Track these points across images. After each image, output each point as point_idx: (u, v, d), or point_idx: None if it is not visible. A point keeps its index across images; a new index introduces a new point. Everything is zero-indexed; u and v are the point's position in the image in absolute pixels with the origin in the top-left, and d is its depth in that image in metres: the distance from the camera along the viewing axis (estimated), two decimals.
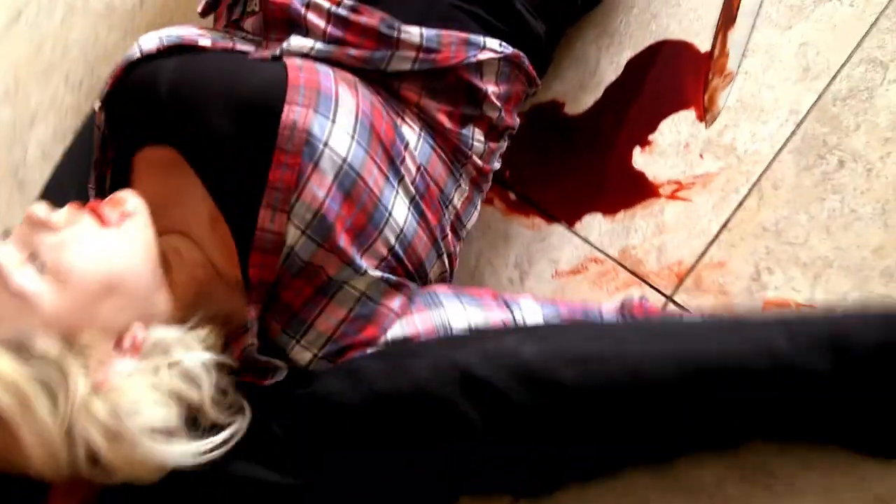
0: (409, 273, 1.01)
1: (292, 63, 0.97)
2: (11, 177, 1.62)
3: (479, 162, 1.09)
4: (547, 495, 0.93)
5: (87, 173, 1.12)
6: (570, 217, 1.20)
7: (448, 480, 0.94)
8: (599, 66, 1.25)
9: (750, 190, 1.12)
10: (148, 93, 0.99)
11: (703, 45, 1.21)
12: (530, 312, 1.01)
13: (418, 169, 1.03)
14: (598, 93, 1.24)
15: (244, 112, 0.93)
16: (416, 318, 0.99)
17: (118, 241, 0.90)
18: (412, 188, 1.01)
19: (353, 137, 0.94)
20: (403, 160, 1.00)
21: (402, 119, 1.04)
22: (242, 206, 0.93)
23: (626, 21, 1.25)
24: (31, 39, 1.70)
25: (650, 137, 1.19)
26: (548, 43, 1.16)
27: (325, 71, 0.97)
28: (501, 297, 1.04)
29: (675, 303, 1.07)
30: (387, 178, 0.98)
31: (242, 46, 1.04)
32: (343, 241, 0.94)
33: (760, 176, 1.12)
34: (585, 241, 1.18)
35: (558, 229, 1.20)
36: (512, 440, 0.86)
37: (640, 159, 1.19)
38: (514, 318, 1.00)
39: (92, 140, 1.09)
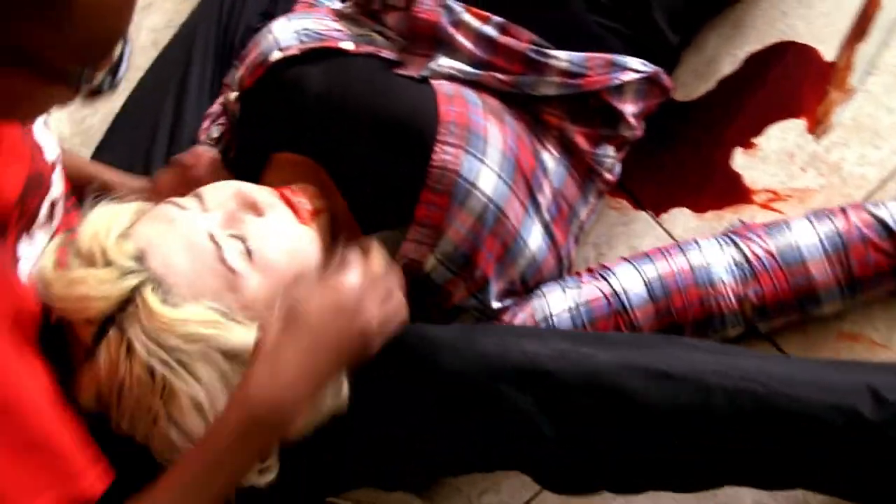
0: (529, 289, 1.04)
1: (442, 92, 0.98)
2: None
3: (608, 176, 1.10)
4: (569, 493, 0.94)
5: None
6: (657, 207, 1.18)
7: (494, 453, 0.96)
8: (717, 55, 1.22)
9: None
10: (292, 100, 1.00)
11: (829, 53, 1.17)
12: (628, 278, 1.02)
13: (553, 193, 1.05)
14: (710, 83, 1.21)
15: (394, 141, 0.95)
16: (520, 317, 1.02)
17: (310, 239, 0.92)
18: (546, 214, 1.04)
19: (499, 176, 0.96)
20: (541, 188, 1.03)
21: (543, 145, 1.06)
22: (389, 228, 0.97)
23: (753, 14, 1.21)
24: None
25: (755, 140, 1.16)
26: (678, 49, 1.16)
27: (473, 102, 0.99)
28: (595, 270, 1.06)
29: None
30: (526, 210, 1.01)
31: (386, 53, 1.04)
32: (478, 272, 0.98)
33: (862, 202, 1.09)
34: (668, 233, 1.16)
35: (643, 216, 1.19)
36: (566, 438, 0.86)
37: (741, 160, 1.16)
38: (612, 288, 1.02)
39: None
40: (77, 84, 0.68)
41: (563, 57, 1.03)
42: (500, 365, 0.86)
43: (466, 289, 0.99)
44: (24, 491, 0.75)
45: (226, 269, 0.85)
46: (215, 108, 1.18)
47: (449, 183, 0.93)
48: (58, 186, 0.97)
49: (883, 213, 0.98)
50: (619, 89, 1.06)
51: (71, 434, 0.79)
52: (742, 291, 0.99)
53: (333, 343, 0.82)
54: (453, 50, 1.04)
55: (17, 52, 0.62)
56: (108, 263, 0.82)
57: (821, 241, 0.99)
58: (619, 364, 0.84)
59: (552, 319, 1.01)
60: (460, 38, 1.04)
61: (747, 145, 1.17)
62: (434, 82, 1.00)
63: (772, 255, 1.00)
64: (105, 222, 0.85)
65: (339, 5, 1.15)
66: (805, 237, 1.00)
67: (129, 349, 0.81)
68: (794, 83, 1.17)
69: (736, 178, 1.16)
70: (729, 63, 1.21)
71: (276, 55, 1.01)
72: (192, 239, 0.85)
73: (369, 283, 0.84)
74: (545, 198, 1.03)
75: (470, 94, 1.00)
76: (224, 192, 0.91)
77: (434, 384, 0.86)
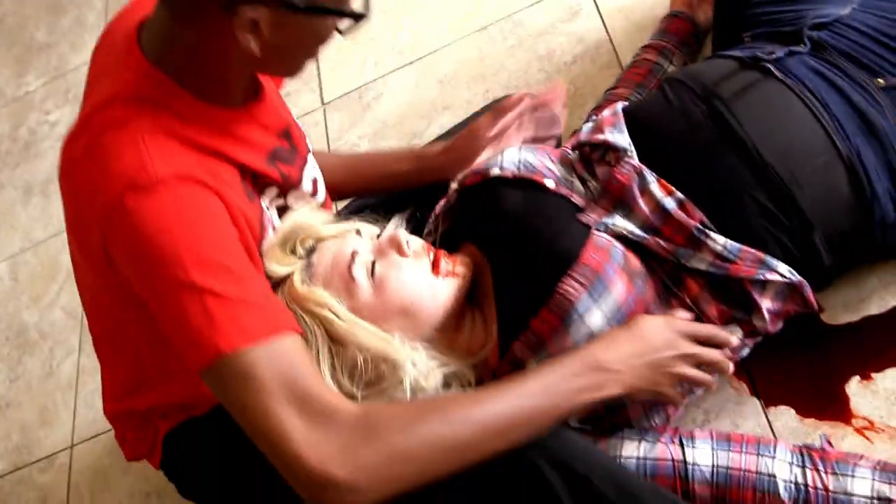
0: (614, 426, 1.25)
1: (593, 242, 1.22)
2: (408, 140, 2.03)
3: (729, 353, 1.26)
4: None
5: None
6: (769, 399, 1.35)
7: None
8: (870, 296, 1.38)
9: None
10: (492, 209, 1.31)
11: None
12: (702, 454, 1.21)
13: None
14: (855, 316, 1.37)
15: (543, 263, 1.22)
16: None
17: (432, 288, 1.23)
18: None
19: (607, 320, 1.19)
20: None
21: (666, 312, 1.25)
22: (511, 325, 1.22)
23: None
24: (480, 49, 2.10)
25: (873, 374, 1.31)
26: (831, 273, 1.32)
27: (615, 259, 1.21)
28: (680, 434, 1.24)
29: None
30: None
31: (576, 198, 1.31)
32: None
33: None
34: (769, 424, 1.33)
35: (754, 403, 1.36)
36: None
37: (854, 387, 1.31)
38: (684, 457, 1.20)
39: None
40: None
41: (720, 241, 1.23)
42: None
43: None
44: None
45: (349, 275, 1.18)
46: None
47: (563, 309, 1.18)
48: (316, 169, 1.37)
49: None
50: (762, 284, 1.23)
51: None
52: None
53: (652, 349, 1.17)
54: (630, 212, 1.28)
55: None
56: (290, 246, 1.22)
57: (871, 500, 1.13)
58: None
59: (619, 460, 1.20)
60: (641, 204, 1.27)
61: (866, 377, 1.31)
62: (595, 233, 1.24)
63: (827, 492, 1.15)
64: (312, 218, 1.26)
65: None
66: (861, 489, 1.14)
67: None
68: None
69: (845, 400, 1.31)
70: (877, 305, 1.36)
71: (495, 171, 1.33)
72: (342, 250, 1.21)
73: (697, 332, 1.21)
74: None
75: (616, 252, 1.22)
76: (396, 240, 1.23)
77: None
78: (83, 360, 2.02)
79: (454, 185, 1.39)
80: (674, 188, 1.27)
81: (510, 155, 1.36)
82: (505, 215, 1.29)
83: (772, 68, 1.32)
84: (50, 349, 2.09)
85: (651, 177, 1.28)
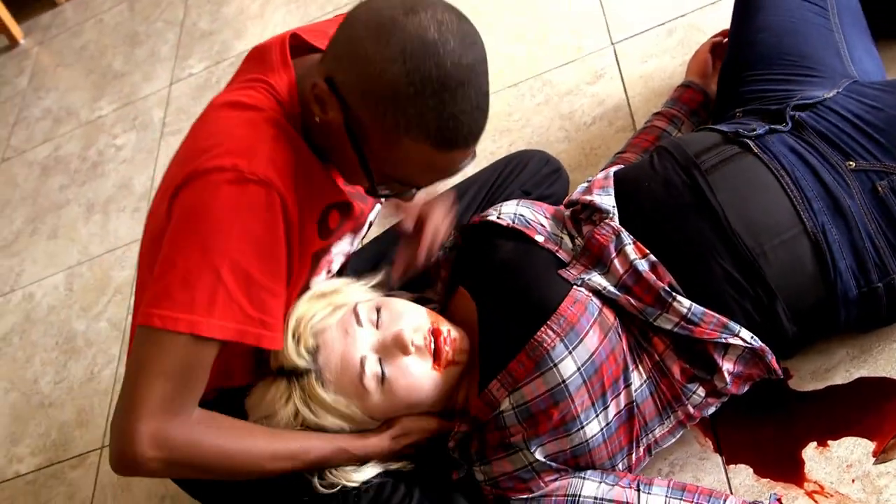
0: (578, 466, 1.34)
1: (572, 296, 1.32)
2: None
3: (692, 410, 1.36)
4: None
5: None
6: (731, 457, 1.43)
7: None
8: (836, 368, 1.44)
9: None
10: (485, 253, 1.45)
11: None
12: (656, 500, 1.29)
13: (629, 405, 1.33)
14: (820, 385, 1.44)
15: (525, 312, 1.33)
16: (554, 484, 1.34)
17: (435, 382, 1.35)
18: (613, 418, 1.33)
19: (579, 370, 1.28)
20: (617, 396, 1.32)
21: (637, 365, 1.35)
22: (492, 365, 1.33)
23: (883, 349, 1.43)
24: (509, 104, 2.22)
25: (829, 442, 1.38)
26: (796, 342, 1.39)
27: (591, 313, 1.31)
28: (639, 480, 1.33)
29: None
30: (593, 404, 1.31)
31: (562, 253, 1.41)
32: (537, 428, 1.30)
33: None
34: (727, 481, 1.40)
35: (717, 459, 1.43)
36: None
37: (810, 452, 1.38)
38: (638, 501, 1.29)
39: None
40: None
41: (685, 304, 1.31)
42: None
43: (523, 436, 1.31)
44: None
45: (362, 386, 1.31)
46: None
47: (538, 355, 1.28)
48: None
49: None
50: (724, 347, 1.32)
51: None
52: None
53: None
54: (607, 270, 1.37)
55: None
56: (297, 340, 1.31)
57: None
58: None
59: (578, 499, 1.30)
60: (616, 264, 1.36)
61: (822, 443, 1.38)
62: (575, 288, 1.34)
63: None
64: (312, 309, 1.34)
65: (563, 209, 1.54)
66: None
67: (288, 397, 1.31)
68: (883, 410, 1.37)
69: (800, 463, 1.38)
70: (842, 376, 1.43)
71: (492, 217, 1.46)
72: (349, 355, 1.31)
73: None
74: (617, 405, 1.31)
75: (593, 307, 1.32)
76: (394, 320, 1.34)
77: None
78: (121, 369, 2.18)
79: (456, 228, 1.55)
80: (648, 251, 1.36)
81: (508, 208, 1.48)
82: (495, 264, 1.41)
83: (751, 144, 1.41)
84: (93, 356, 2.25)
85: (628, 239, 1.38)
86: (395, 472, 1.37)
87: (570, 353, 1.28)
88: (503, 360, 1.31)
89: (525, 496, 1.34)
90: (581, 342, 1.29)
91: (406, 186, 1.27)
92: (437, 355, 1.34)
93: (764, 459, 1.41)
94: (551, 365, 1.28)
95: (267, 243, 1.19)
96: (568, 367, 1.28)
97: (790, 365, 1.47)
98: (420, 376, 1.33)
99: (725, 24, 1.90)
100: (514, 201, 1.51)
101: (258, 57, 1.33)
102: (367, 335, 1.33)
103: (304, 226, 1.27)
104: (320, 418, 1.32)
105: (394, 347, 1.32)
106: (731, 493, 1.38)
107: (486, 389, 1.32)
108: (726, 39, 1.80)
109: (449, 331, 1.36)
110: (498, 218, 1.46)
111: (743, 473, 1.41)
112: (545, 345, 1.28)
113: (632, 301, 1.35)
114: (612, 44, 2.17)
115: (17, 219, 2.77)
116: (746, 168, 1.40)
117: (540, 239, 1.43)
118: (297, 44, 1.33)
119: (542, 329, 1.29)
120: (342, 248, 1.48)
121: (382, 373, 1.31)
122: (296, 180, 1.22)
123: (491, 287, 1.41)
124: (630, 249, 1.37)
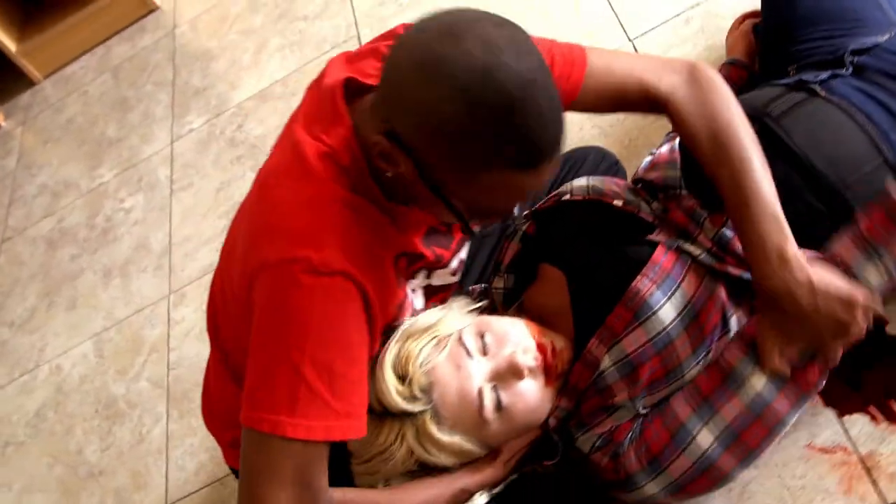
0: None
1: (663, 248, 1.31)
2: None
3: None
4: None
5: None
6: (844, 410, 1.42)
7: None
8: None
9: None
10: (567, 228, 1.43)
11: None
12: None
13: (725, 347, 1.31)
14: None
15: (616, 268, 1.31)
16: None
17: (550, 398, 1.33)
18: (710, 360, 1.31)
19: (679, 314, 1.27)
20: (718, 339, 1.30)
21: (736, 310, 1.33)
22: (588, 327, 1.31)
23: None
24: None
25: None
26: None
27: (684, 260, 1.30)
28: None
29: None
30: (694, 352, 1.30)
31: (644, 214, 1.40)
32: (640, 382, 1.29)
33: None
34: (845, 431, 1.39)
35: (829, 414, 1.42)
36: None
37: None
38: None
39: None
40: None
41: None
42: None
43: (628, 393, 1.29)
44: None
45: (481, 418, 1.27)
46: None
47: (636, 305, 1.27)
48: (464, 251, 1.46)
49: None
50: None
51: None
52: None
53: None
54: (693, 240, 1.36)
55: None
56: (406, 381, 1.26)
57: None
58: None
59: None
60: (701, 239, 1.36)
61: None
62: (663, 243, 1.33)
63: None
64: (417, 347, 1.28)
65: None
66: None
67: (402, 438, 1.27)
68: None
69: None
70: None
71: (566, 196, 1.45)
72: (466, 389, 1.27)
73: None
74: (716, 350, 1.30)
75: (685, 257, 1.31)
76: (501, 344, 1.30)
77: None
78: (171, 425, 2.12)
79: (525, 211, 1.51)
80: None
81: (579, 183, 1.47)
82: (578, 230, 1.40)
83: (817, 89, 1.43)
84: (139, 417, 2.19)
85: (703, 214, 1.37)
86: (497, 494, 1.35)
87: (669, 298, 1.27)
88: (600, 318, 1.29)
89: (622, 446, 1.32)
90: (678, 288, 1.28)
91: (499, 215, 1.23)
92: (548, 372, 1.32)
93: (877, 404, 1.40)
94: (650, 313, 1.26)
95: (346, 332, 1.16)
96: (668, 314, 1.27)
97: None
98: (536, 397, 1.31)
99: (741, 5, 1.93)
100: (584, 178, 1.51)
101: (318, 103, 1.25)
102: (478, 365, 1.29)
103: (384, 291, 1.22)
104: (434, 456, 1.29)
105: (508, 374, 1.29)
106: (850, 441, 1.37)
107: (585, 350, 1.31)
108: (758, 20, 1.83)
109: (552, 342, 1.34)
110: (571, 196, 1.45)
111: (860, 423, 1.40)
112: (643, 292, 1.26)
113: (729, 270, 1.33)
114: (630, 40, 2.19)
115: (29, 296, 2.70)
116: (817, 110, 1.41)
117: (618, 202, 1.42)
118: (351, 86, 1.23)
119: (637, 279, 1.28)
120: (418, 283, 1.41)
121: (499, 400, 1.28)
122: (369, 256, 1.17)
123: (578, 253, 1.40)
124: (707, 225, 1.37)
